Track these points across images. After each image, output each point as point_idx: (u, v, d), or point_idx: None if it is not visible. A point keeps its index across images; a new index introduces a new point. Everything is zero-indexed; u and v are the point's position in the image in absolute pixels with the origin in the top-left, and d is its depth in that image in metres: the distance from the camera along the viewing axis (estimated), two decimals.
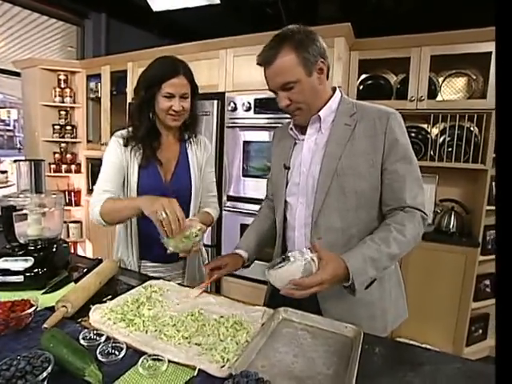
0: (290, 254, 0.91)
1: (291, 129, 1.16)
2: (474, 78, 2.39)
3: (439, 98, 2.45)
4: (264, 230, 1.31)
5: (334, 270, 0.88)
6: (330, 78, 1.11)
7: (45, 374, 0.64)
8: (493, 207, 2.29)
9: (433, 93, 2.42)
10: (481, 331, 2.51)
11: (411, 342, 0.93)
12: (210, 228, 2.77)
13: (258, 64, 1.06)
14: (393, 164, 1.01)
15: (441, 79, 2.46)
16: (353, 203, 1.04)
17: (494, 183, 2.34)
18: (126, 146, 1.31)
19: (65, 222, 3.50)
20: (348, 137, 1.04)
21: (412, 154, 1.04)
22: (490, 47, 2.13)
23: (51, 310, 0.93)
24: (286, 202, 1.17)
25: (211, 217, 1.43)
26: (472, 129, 2.33)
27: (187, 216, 1.35)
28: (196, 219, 1.21)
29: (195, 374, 0.72)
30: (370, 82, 2.61)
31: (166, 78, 1.22)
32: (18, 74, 3.85)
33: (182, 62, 1.28)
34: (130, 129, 1.33)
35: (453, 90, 2.48)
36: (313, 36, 1.02)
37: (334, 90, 1.12)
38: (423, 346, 0.90)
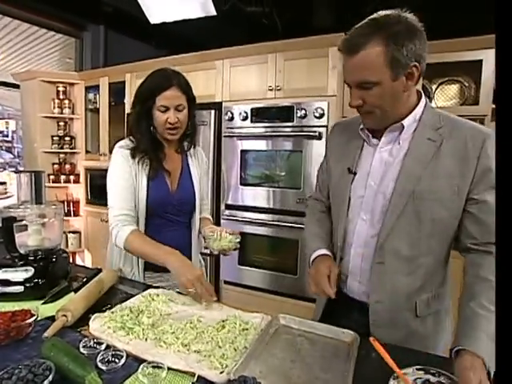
0: None
1: (362, 129, 1.01)
2: (467, 85, 2.44)
3: (433, 104, 2.49)
4: (329, 227, 1.16)
5: (476, 376, 0.67)
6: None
7: (46, 383, 0.65)
8: None
9: None
10: None
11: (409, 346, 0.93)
12: None
13: (338, 50, 0.91)
14: (482, 193, 0.88)
15: (434, 86, 2.51)
16: (427, 231, 0.92)
17: None
18: (133, 157, 1.29)
19: (64, 233, 3.50)
20: (431, 155, 0.91)
21: None
22: (482, 55, 2.17)
23: (51, 319, 0.93)
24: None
25: (211, 222, 1.52)
26: None
27: (190, 224, 1.43)
28: (224, 228, 1.32)
29: (194, 380, 0.73)
30: None
31: (159, 91, 1.23)
32: (17, 86, 3.89)
33: (175, 74, 1.28)
34: (132, 138, 1.33)
35: (446, 96, 2.52)
36: (415, 31, 0.85)
37: (419, 95, 0.97)
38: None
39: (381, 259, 0.97)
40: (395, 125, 0.95)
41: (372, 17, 0.87)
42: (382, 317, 1.00)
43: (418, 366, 0.74)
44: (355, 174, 1.02)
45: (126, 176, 1.28)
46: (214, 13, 2.99)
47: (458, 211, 0.92)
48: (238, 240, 1.29)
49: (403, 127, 0.94)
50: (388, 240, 0.95)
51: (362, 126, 1.01)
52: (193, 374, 0.74)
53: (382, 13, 0.87)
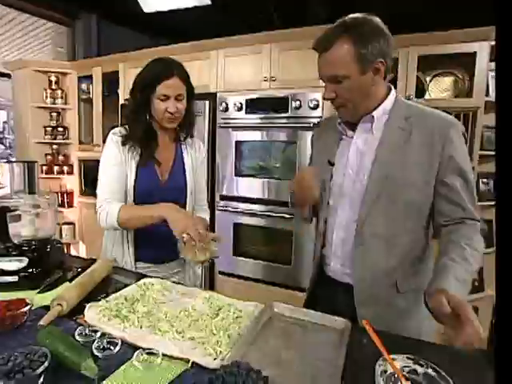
0: None
1: (339, 123, 1.11)
2: (461, 77, 2.44)
3: (427, 96, 2.50)
4: None
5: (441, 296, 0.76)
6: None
7: (42, 369, 0.66)
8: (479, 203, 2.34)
9: (421, 92, 2.47)
10: None
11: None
12: None
13: (313, 48, 1.01)
14: (449, 176, 0.98)
15: (428, 78, 2.51)
16: (401, 212, 1.01)
17: (481, 180, 2.40)
18: (124, 144, 1.30)
19: (58, 224, 3.48)
20: (402, 143, 1.00)
21: (468, 168, 0.99)
22: (475, 47, 2.18)
23: (46, 308, 0.94)
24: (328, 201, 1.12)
25: (207, 222, 1.48)
26: None
27: None
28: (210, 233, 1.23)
29: (189, 366, 0.74)
30: None
31: (160, 80, 1.23)
32: (8, 76, 3.83)
33: (176, 63, 1.28)
34: (127, 127, 1.33)
35: (440, 88, 2.53)
36: (379, 32, 0.96)
37: (389, 89, 1.06)
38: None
39: (361, 241, 1.05)
40: (366, 116, 1.04)
41: (341, 19, 0.98)
42: (366, 294, 1.06)
43: (408, 355, 0.75)
44: (333, 164, 1.11)
45: (117, 164, 1.29)
46: (209, 2, 2.96)
47: (428, 193, 1.00)
48: (216, 249, 1.20)
49: (373, 118, 1.03)
50: (366, 223, 1.03)
51: (339, 120, 1.11)
52: (187, 361, 0.75)
53: (350, 16, 0.98)
